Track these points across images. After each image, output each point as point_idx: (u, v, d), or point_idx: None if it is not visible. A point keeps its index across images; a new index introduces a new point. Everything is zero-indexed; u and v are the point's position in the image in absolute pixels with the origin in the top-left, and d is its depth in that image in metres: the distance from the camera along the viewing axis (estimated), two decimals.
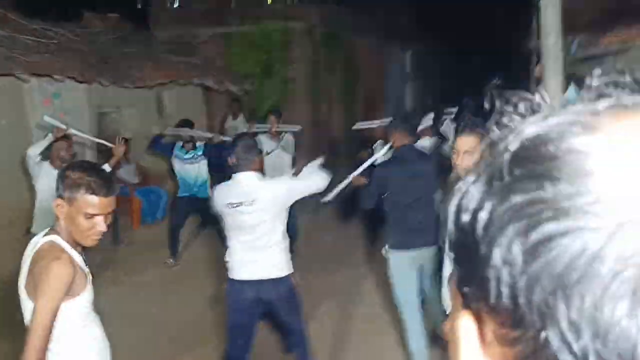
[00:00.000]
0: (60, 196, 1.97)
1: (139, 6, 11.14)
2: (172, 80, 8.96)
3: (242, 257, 3.56)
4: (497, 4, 16.50)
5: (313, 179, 3.70)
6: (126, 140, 8.52)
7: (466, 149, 2.84)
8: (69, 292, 1.96)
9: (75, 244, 2.06)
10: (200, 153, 6.89)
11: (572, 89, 4.12)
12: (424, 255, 3.98)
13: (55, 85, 7.44)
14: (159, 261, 6.91)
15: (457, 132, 2.92)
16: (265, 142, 6.60)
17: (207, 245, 7.31)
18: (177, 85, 9.54)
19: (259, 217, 3.48)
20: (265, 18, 11.39)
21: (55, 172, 4.83)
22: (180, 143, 6.91)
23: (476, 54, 22.39)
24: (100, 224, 2.01)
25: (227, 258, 3.68)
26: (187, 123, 7.05)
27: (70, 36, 8.03)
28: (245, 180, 3.51)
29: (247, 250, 3.55)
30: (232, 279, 3.62)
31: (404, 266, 4.02)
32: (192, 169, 6.85)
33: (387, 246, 4.17)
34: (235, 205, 3.47)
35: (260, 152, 3.73)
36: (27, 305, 1.97)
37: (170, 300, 5.86)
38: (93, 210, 1.98)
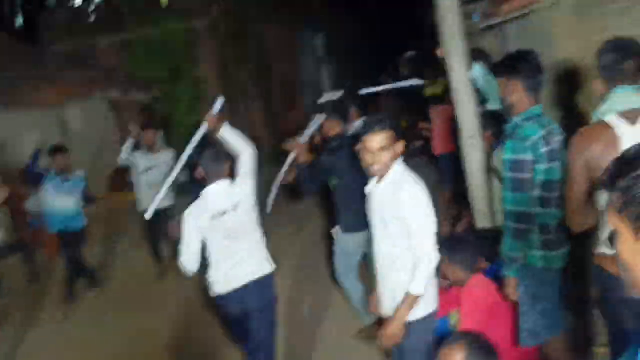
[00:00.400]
0: None
1: (23, 22, 10.32)
2: (70, 96, 8.39)
3: (227, 267, 3.56)
4: None
5: (241, 142, 3.74)
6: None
7: (380, 146, 2.70)
8: None
9: None
10: (80, 180, 6.21)
11: (477, 66, 4.04)
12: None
13: None
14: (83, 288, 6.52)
15: (365, 129, 2.73)
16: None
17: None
18: (80, 101, 8.99)
19: (243, 220, 3.57)
20: (165, 19, 10.91)
21: None
22: (53, 171, 6.06)
23: (387, 32, 22.56)
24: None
25: (210, 274, 3.62)
26: (60, 149, 6.20)
27: None
28: (221, 189, 3.55)
29: (232, 257, 3.56)
30: (220, 293, 3.60)
31: (350, 247, 4.39)
32: (68, 199, 6.07)
33: (336, 227, 4.47)
34: (219, 214, 3.49)
35: (229, 156, 3.68)
36: None
37: (104, 326, 5.55)
38: None
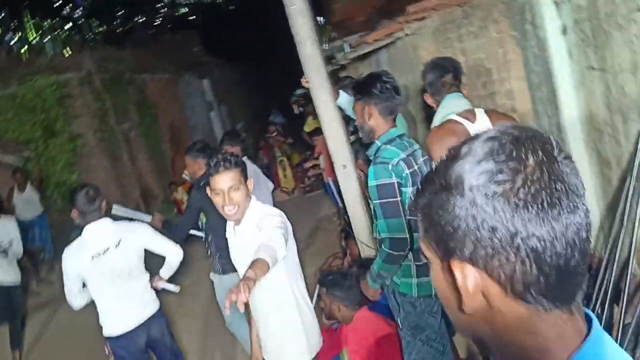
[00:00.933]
0: None
1: None
2: None
3: (117, 310, 3.44)
4: (274, 18, 16.75)
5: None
6: None
7: (230, 185, 2.51)
8: None
9: None
10: None
11: (343, 93, 3.97)
12: None
13: None
14: None
15: (211, 170, 2.53)
16: None
17: None
18: None
19: (128, 259, 3.44)
20: (33, 74, 10.26)
21: None
22: None
23: (272, 70, 22.77)
24: None
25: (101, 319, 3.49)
26: None
27: None
28: (101, 228, 3.42)
29: (121, 300, 3.43)
30: (112, 336, 3.46)
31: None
32: None
33: (212, 272, 4.21)
34: (100, 253, 3.36)
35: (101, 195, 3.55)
36: None
37: None
38: None
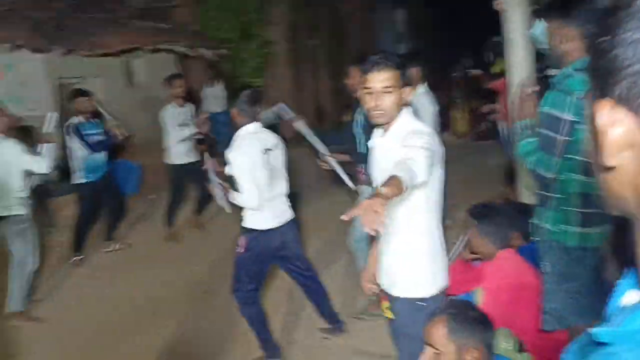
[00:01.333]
0: None
1: None
2: (136, 46, 8.44)
3: (271, 206, 3.68)
4: None
5: None
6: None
7: (384, 86, 2.32)
8: None
9: None
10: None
11: (539, 23, 3.60)
12: None
13: (8, 56, 7.00)
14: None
15: (367, 67, 2.35)
16: None
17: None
18: (146, 53, 9.05)
19: (281, 161, 3.77)
20: None
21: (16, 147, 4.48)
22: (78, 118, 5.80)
23: (470, 15, 21.61)
24: None
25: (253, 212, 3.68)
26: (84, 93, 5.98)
27: (22, 2, 7.53)
28: (263, 129, 3.73)
29: (275, 197, 3.71)
30: (260, 229, 3.69)
31: None
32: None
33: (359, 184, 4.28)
34: (268, 150, 3.64)
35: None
36: None
37: (126, 281, 5.50)
38: None
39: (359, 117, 4.20)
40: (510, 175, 4.77)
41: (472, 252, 3.23)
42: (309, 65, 11.70)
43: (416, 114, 2.65)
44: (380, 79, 2.32)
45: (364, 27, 14.76)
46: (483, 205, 3.14)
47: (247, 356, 3.93)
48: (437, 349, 2.00)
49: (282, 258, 3.91)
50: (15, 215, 4.56)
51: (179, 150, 6.18)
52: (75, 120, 5.72)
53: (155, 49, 8.99)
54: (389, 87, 2.32)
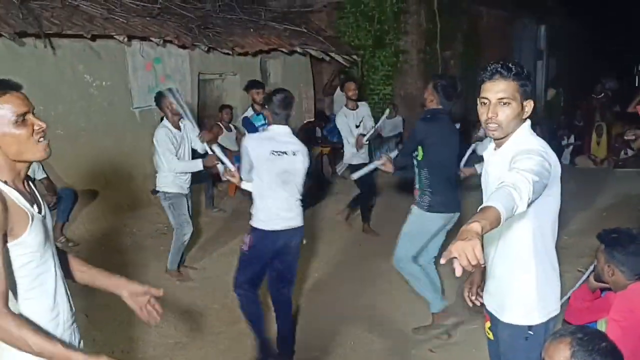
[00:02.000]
0: None
1: None
2: (272, 47, 8.76)
3: (279, 208, 3.72)
4: None
5: None
6: (230, 108, 8.58)
7: (501, 97, 2.13)
8: (8, 232, 1.72)
9: (17, 179, 1.81)
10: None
11: None
12: None
13: (157, 49, 7.56)
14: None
15: (485, 76, 2.16)
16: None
17: None
18: (282, 54, 9.37)
19: (298, 168, 3.75)
20: None
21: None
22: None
23: (626, 29, 20.12)
24: (37, 121, 1.76)
25: (259, 211, 3.76)
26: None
27: (175, 1, 8.11)
28: (284, 133, 3.75)
29: (285, 201, 3.75)
30: (265, 230, 3.72)
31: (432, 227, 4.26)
32: None
33: (415, 205, 4.24)
34: (279, 153, 3.67)
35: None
36: None
37: None
38: (20, 109, 1.72)
39: None
40: None
41: (599, 281, 2.98)
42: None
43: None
44: (497, 89, 2.14)
45: (502, 40, 14.25)
46: (615, 231, 2.87)
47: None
48: None
49: (276, 260, 3.85)
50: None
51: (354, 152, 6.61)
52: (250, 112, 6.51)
53: (291, 51, 9.27)
54: (508, 98, 2.14)
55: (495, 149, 2.32)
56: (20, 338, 1.63)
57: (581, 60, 19.81)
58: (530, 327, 2.30)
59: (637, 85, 12.77)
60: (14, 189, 1.77)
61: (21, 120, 1.72)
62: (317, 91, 10.51)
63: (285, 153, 3.69)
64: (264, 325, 3.88)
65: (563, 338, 1.87)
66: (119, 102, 7.24)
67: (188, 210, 5.32)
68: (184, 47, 7.65)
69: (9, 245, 1.72)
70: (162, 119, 5.34)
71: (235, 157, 7.93)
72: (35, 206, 1.84)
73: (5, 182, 1.76)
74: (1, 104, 1.70)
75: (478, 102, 2.22)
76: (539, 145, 2.17)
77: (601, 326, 2.97)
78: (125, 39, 6.85)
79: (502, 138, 2.22)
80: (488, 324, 2.53)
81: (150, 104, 6.33)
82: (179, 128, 5.17)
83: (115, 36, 6.74)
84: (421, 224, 4.15)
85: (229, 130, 8.36)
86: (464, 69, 12.27)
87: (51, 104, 6.43)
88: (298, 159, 3.75)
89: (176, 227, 5.25)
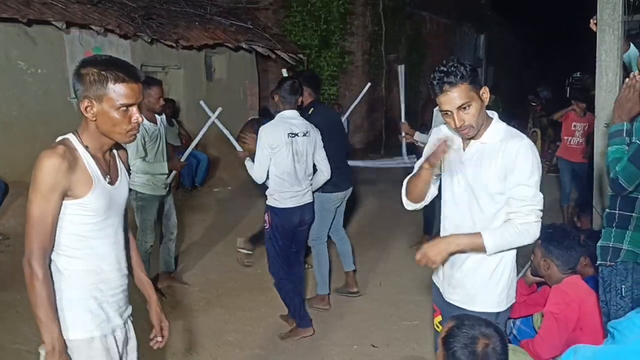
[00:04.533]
0: (85, 97, 1.82)
1: None
2: (218, 42, 8.65)
3: (291, 188, 3.96)
4: None
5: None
6: (173, 102, 8.41)
7: (460, 104, 2.13)
8: (69, 190, 1.81)
9: (98, 149, 1.91)
10: None
11: (633, 47, 3.42)
12: None
13: (97, 38, 7.31)
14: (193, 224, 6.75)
15: (436, 90, 2.15)
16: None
17: None
18: (228, 50, 9.27)
19: (309, 148, 4.01)
20: None
21: None
22: None
23: (560, 41, 21.04)
24: (136, 115, 1.87)
25: (275, 191, 3.98)
26: None
27: None
28: (293, 116, 3.97)
29: (297, 180, 3.99)
30: (280, 207, 3.98)
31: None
32: None
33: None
34: (293, 135, 3.90)
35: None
36: None
37: None
38: (127, 100, 1.83)
39: None
40: (581, 208, 4.58)
41: (536, 275, 3.08)
42: (384, 78, 11.66)
43: None
44: (453, 98, 2.13)
45: (444, 46, 14.61)
46: (552, 227, 2.97)
47: None
48: None
49: (295, 235, 4.12)
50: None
51: None
52: None
53: (237, 47, 9.17)
54: (466, 101, 2.14)
55: (465, 149, 2.32)
56: (35, 288, 1.76)
57: (517, 70, 20.58)
58: (498, 314, 2.33)
59: (567, 96, 13.35)
60: (91, 155, 1.88)
61: (124, 109, 1.84)
62: (261, 88, 10.45)
63: (297, 135, 3.93)
64: (298, 296, 4.10)
65: (450, 322, 1.91)
66: (55, 91, 6.94)
67: (168, 210, 4.80)
68: (125, 37, 7.44)
69: (67, 202, 1.83)
70: None
71: (177, 152, 7.79)
72: (108, 177, 1.94)
73: (87, 147, 1.88)
74: (118, 87, 1.82)
75: (441, 114, 2.23)
76: (521, 137, 2.27)
77: (537, 319, 3.08)
78: (64, 26, 6.59)
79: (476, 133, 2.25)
80: (439, 318, 2.52)
81: None
82: (155, 122, 4.51)
83: (53, 22, 6.47)
84: (321, 204, 4.49)
85: (172, 125, 8.17)
86: (409, 73, 12.48)
87: None
88: (310, 139, 4.02)
89: (139, 231, 4.59)
